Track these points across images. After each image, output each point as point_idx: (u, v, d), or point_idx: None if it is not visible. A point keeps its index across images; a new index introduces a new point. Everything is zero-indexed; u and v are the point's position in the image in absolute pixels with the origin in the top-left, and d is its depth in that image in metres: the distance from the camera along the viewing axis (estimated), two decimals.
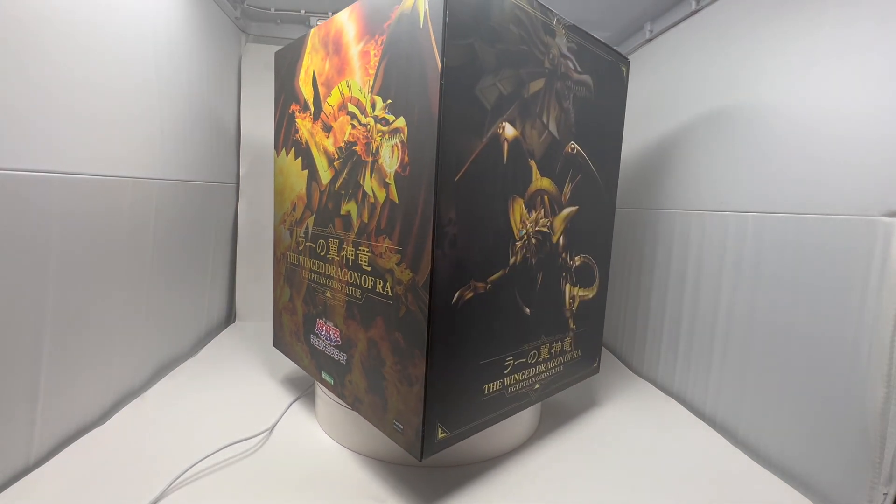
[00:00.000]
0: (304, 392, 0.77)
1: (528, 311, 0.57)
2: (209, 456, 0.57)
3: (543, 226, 0.57)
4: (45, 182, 0.54)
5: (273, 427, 0.66)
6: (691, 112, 0.83)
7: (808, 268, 0.58)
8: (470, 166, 0.47)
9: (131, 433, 0.62)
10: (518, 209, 0.53)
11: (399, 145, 0.48)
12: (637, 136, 1.01)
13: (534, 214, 0.55)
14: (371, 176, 0.52)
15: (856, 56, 0.55)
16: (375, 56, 0.51)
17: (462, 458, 0.59)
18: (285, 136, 0.69)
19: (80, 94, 0.59)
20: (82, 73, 0.59)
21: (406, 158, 0.47)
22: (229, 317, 1.16)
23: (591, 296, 0.68)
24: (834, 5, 0.58)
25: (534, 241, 0.56)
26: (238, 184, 1.14)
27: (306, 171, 0.64)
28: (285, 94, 0.68)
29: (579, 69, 0.59)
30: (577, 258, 0.63)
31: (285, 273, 0.71)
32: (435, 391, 0.48)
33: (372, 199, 0.52)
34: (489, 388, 0.54)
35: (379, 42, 0.50)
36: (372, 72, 0.52)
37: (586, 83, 0.60)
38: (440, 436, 0.49)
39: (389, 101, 0.49)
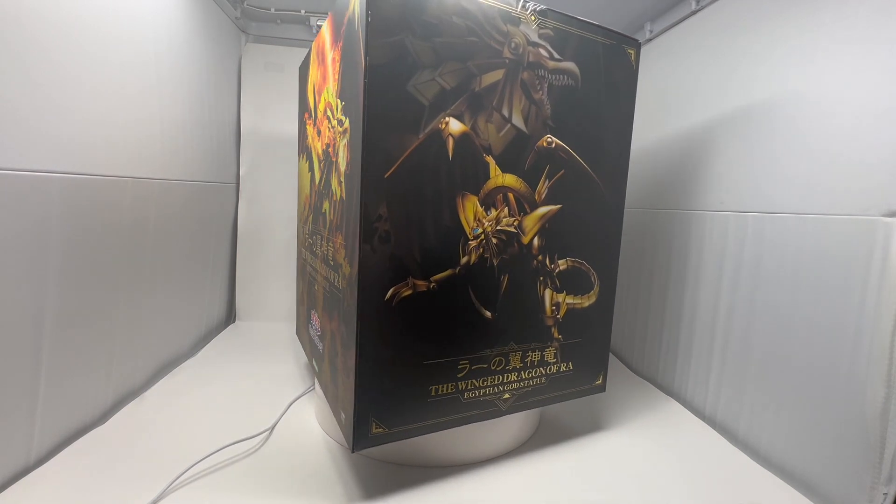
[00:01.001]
0: (304, 392, 0.77)
1: (489, 314, 0.54)
2: (209, 456, 0.57)
3: (508, 225, 0.54)
4: (45, 182, 0.54)
5: (273, 427, 0.66)
6: (691, 112, 0.83)
7: (808, 268, 0.58)
8: (403, 163, 0.47)
9: (131, 433, 0.62)
10: (471, 207, 0.51)
11: (347, 145, 0.50)
12: (636, 136, 1.01)
13: (494, 213, 0.53)
14: (334, 175, 0.56)
15: (855, 56, 0.55)
16: (337, 61, 0.54)
17: (462, 458, 0.59)
18: (300, 141, 0.76)
19: (80, 93, 0.59)
20: (82, 72, 0.59)
21: (349, 157, 0.50)
22: (229, 317, 1.16)
23: (586, 304, 0.62)
24: (833, 6, 0.58)
25: (494, 240, 0.53)
26: (238, 184, 1.14)
27: (310, 173, 0.68)
28: (301, 103, 0.75)
29: (557, 56, 0.54)
30: (561, 262, 0.59)
31: (299, 267, 0.78)
32: (366, 384, 0.48)
33: (335, 198, 0.55)
34: (438, 389, 0.53)
35: (339, 47, 0.53)
36: (337, 77, 0.54)
37: (569, 71, 0.55)
38: (375, 430, 0.50)
39: (344, 103, 0.52)
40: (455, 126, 0.49)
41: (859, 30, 0.55)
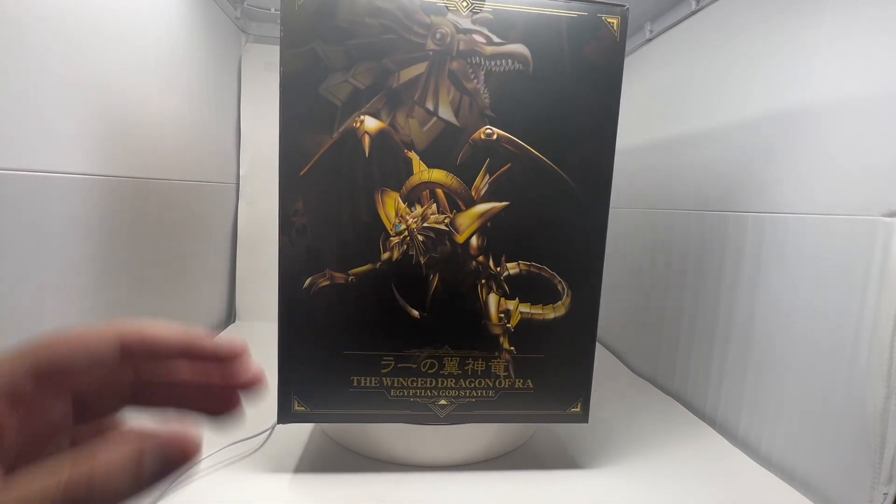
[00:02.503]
0: None
1: (416, 313, 0.53)
2: (209, 456, 0.57)
3: (437, 222, 0.52)
4: (45, 182, 0.54)
5: (273, 427, 0.66)
6: (691, 112, 0.83)
7: (808, 268, 0.58)
8: (318, 161, 0.50)
9: None
10: (391, 203, 0.51)
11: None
12: (636, 135, 1.01)
13: (419, 209, 0.52)
14: None
15: (856, 56, 0.55)
16: None
17: (461, 458, 0.59)
18: None
19: (80, 93, 0.59)
20: (82, 72, 0.59)
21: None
22: (229, 317, 1.16)
23: (551, 316, 0.55)
24: (833, 6, 0.58)
25: (421, 238, 0.52)
26: (238, 184, 1.14)
27: None
28: None
29: (498, 40, 0.50)
30: (511, 265, 0.53)
31: None
32: (287, 364, 0.53)
33: None
34: (360, 381, 0.54)
35: None
36: None
37: (515, 54, 0.51)
38: (297, 408, 0.54)
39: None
40: (371, 124, 0.50)
41: (860, 29, 0.55)
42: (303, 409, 0.54)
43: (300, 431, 0.66)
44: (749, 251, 0.67)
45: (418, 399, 0.55)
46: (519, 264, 0.54)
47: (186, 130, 0.86)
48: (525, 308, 0.54)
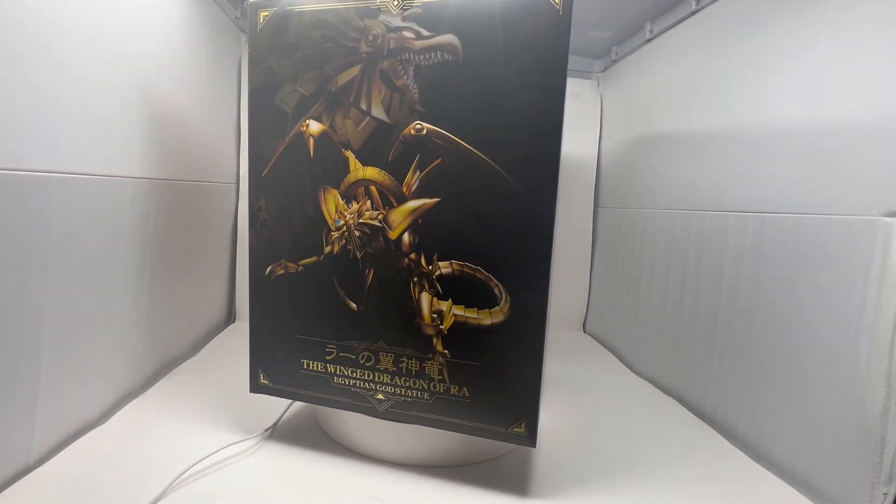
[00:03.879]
0: None
1: (354, 306, 0.55)
2: (209, 456, 0.57)
3: (371, 219, 0.53)
4: (45, 182, 0.54)
5: (273, 427, 0.66)
6: (691, 111, 0.83)
7: (808, 268, 0.58)
8: (275, 163, 0.56)
9: (131, 433, 0.62)
10: (332, 200, 0.54)
11: None
12: (636, 134, 1.01)
13: (355, 206, 0.53)
14: None
15: (856, 55, 0.55)
16: None
17: (461, 458, 0.59)
18: None
19: (80, 93, 0.59)
20: (82, 72, 0.59)
21: None
22: (229, 317, 1.16)
23: (487, 322, 0.51)
24: (833, 6, 0.58)
25: (357, 233, 0.54)
26: (238, 184, 1.14)
27: None
28: None
29: (427, 34, 0.49)
30: (443, 265, 0.51)
31: None
32: (254, 339, 0.61)
33: None
34: (308, 364, 0.58)
35: None
36: None
37: (444, 46, 0.49)
38: (263, 380, 0.61)
39: None
40: (314, 127, 0.54)
41: (860, 30, 0.55)
42: (267, 382, 0.61)
43: (300, 431, 0.66)
44: (749, 251, 0.67)
45: (358, 390, 0.57)
46: (451, 264, 0.51)
47: (186, 130, 0.86)
48: (459, 310, 0.52)
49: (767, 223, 0.64)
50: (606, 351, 1.08)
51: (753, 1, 0.71)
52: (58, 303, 0.57)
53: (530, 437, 0.52)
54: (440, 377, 0.54)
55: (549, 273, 0.49)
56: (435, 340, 0.53)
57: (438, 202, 0.51)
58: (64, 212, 0.57)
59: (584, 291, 1.25)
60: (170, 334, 0.85)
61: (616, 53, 1.17)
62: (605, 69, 1.25)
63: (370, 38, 0.51)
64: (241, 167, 1.13)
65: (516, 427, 0.52)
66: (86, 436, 0.61)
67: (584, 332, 1.24)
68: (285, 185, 0.56)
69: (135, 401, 0.71)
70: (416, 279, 0.53)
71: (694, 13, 0.86)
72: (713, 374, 0.73)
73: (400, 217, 0.52)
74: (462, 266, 0.51)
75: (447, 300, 0.52)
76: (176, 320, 0.87)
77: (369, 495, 0.53)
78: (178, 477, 0.53)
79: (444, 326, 0.53)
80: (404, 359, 0.54)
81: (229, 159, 1.09)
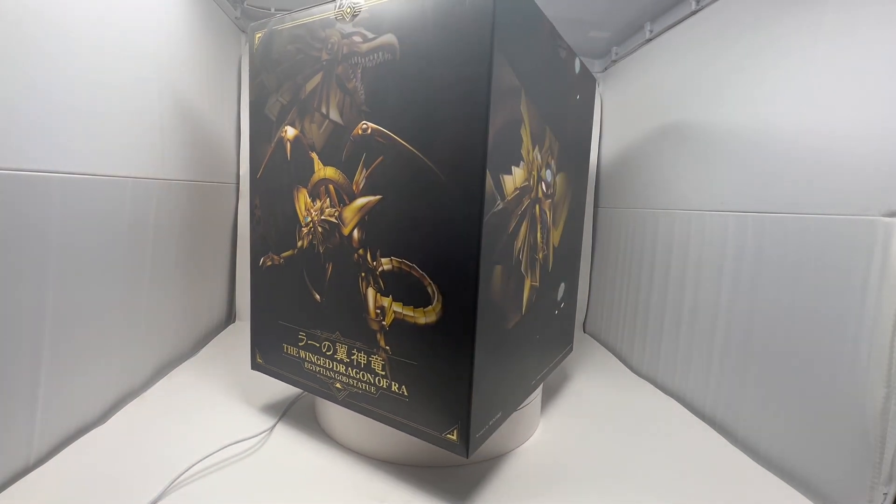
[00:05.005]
0: (304, 392, 0.77)
1: (318, 297, 0.58)
2: (209, 456, 0.57)
3: (330, 215, 0.56)
4: (45, 182, 0.54)
5: (273, 427, 0.66)
6: (692, 111, 0.83)
7: (808, 268, 0.58)
8: (266, 166, 0.62)
9: (131, 433, 0.62)
10: (302, 198, 0.59)
11: None
12: (636, 135, 1.01)
13: (318, 203, 0.57)
14: None
15: (856, 56, 0.55)
16: None
17: (461, 458, 0.60)
18: None
19: (80, 93, 0.59)
20: (82, 72, 0.59)
21: None
22: (229, 317, 1.16)
23: (422, 321, 0.50)
24: (834, 6, 0.58)
25: (320, 229, 0.57)
26: (238, 184, 1.14)
27: None
28: None
29: (371, 36, 0.50)
30: (385, 261, 0.52)
31: None
32: (254, 322, 0.67)
33: None
34: (286, 348, 0.63)
35: None
36: None
37: (385, 45, 0.50)
38: (258, 359, 0.67)
39: None
40: (290, 132, 0.59)
41: (860, 30, 0.55)
42: (261, 362, 0.67)
43: (300, 431, 0.66)
44: (749, 251, 0.67)
45: (322, 377, 0.60)
46: (392, 260, 0.51)
47: (186, 130, 0.86)
48: (398, 307, 0.52)
49: (767, 223, 0.64)
50: (606, 351, 1.08)
51: (753, 1, 0.71)
52: (58, 303, 0.57)
53: (462, 446, 0.49)
54: (383, 373, 0.54)
55: (476, 274, 0.46)
56: (379, 336, 0.54)
57: (380, 199, 0.52)
58: (64, 212, 0.57)
59: (583, 291, 1.25)
60: (170, 334, 0.85)
61: (616, 53, 1.17)
62: (606, 69, 1.25)
63: (329, 46, 0.54)
64: (241, 167, 1.13)
65: (448, 433, 0.50)
66: (86, 436, 0.61)
67: (584, 332, 1.24)
68: (271, 185, 0.62)
69: (135, 401, 0.71)
70: (363, 274, 0.54)
71: (694, 13, 0.86)
72: (713, 374, 0.74)
73: (350, 214, 0.54)
74: (400, 263, 0.51)
75: (388, 297, 0.52)
76: (176, 320, 0.87)
77: (369, 495, 0.53)
78: (179, 477, 0.53)
79: (386, 323, 0.53)
80: (355, 351, 0.56)
81: (229, 159, 1.09)
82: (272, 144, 0.60)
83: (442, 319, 0.49)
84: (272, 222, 0.62)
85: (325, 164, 0.55)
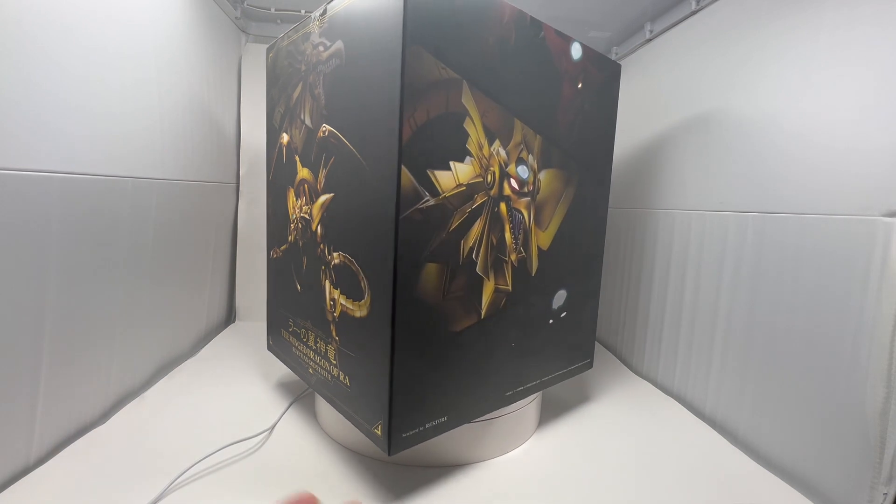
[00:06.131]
0: (304, 392, 0.77)
1: (299, 287, 0.63)
2: (209, 456, 0.57)
3: (305, 212, 0.60)
4: (45, 182, 0.54)
5: (273, 427, 0.66)
6: (692, 111, 0.83)
7: (808, 268, 0.58)
8: (273, 169, 0.69)
9: (131, 433, 0.62)
10: (291, 197, 0.64)
11: None
12: (636, 135, 1.01)
13: (299, 202, 0.62)
14: None
15: (855, 56, 0.55)
16: None
17: (461, 458, 0.60)
18: None
19: (80, 94, 0.59)
20: (82, 72, 0.59)
21: None
22: (229, 317, 1.16)
23: (358, 314, 0.50)
24: (833, 6, 0.58)
25: (300, 225, 0.62)
26: (238, 184, 1.14)
27: None
28: None
29: (328, 44, 0.53)
30: (336, 255, 0.53)
31: None
32: (268, 309, 0.74)
33: None
34: (283, 333, 0.69)
35: None
36: None
37: (337, 52, 0.52)
38: (270, 343, 0.75)
39: None
40: (285, 138, 0.65)
41: (859, 30, 0.55)
42: (272, 343, 0.74)
43: (300, 431, 0.66)
44: (749, 251, 0.67)
45: (303, 361, 0.64)
46: (340, 255, 0.53)
47: (186, 130, 0.86)
48: (343, 300, 0.53)
49: (767, 223, 0.64)
50: (606, 351, 1.08)
51: (753, 1, 0.71)
52: (58, 302, 0.57)
53: (384, 441, 0.48)
54: (335, 362, 0.56)
55: (394, 269, 0.45)
56: (332, 326, 0.56)
57: (333, 197, 0.54)
58: (64, 212, 0.57)
59: None
60: (170, 334, 0.85)
61: (616, 53, 1.17)
62: None
63: (305, 57, 0.59)
64: (241, 167, 1.13)
65: (375, 428, 0.50)
66: (86, 436, 0.61)
67: None
68: (275, 186, 0.69)
69: (135, 401, 0.71)
70: (323, 268, 0.57)
71: (694, 13, 0.86)
72: (713, 374, 0.74)
73: (316, 210, 0.58)
74: (344, 258, 0.53)
75: (338, 289, 0.54)
76: (176, 320, 0.87)
77: (369, 495, 0.53)
78: (179, 477, 0.53)
79: (336, 314, 0.55)
80: (319, 340, 0.59)
81: (229, 159, 1.09)
82: (276, 150, 0.68)
83: (371, 314, 0.49)
84: (275, 219, 0.69)
85: (303, 165, 0.61)
